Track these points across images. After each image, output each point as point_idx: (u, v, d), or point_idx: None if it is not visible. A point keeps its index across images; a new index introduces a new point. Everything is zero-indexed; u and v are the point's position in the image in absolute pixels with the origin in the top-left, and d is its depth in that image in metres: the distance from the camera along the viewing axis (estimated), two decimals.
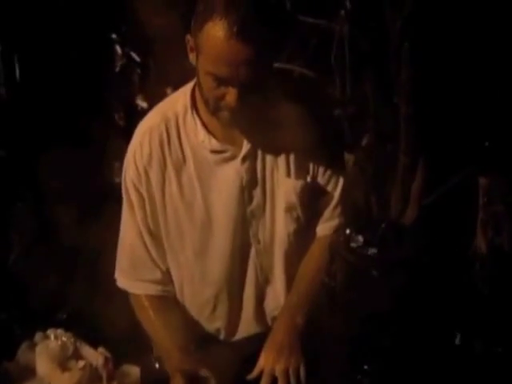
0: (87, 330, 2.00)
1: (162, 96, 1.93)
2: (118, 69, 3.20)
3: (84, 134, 3.06)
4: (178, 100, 1.80)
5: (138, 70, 3.21)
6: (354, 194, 2.67)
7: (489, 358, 1.95)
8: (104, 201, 2.58)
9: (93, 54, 3.13)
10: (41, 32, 3.13)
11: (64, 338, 1.90)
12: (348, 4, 2.83)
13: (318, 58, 2.94)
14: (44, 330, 1.95)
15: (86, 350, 1.90)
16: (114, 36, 3.17)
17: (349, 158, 2.73)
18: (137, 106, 3.23)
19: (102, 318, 2.00)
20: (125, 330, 1.93)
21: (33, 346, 1.89)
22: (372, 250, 1.71)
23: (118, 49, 3.17)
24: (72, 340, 1.90)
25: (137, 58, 3.18)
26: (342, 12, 2.84)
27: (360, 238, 1.73)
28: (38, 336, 1.91)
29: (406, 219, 2.75)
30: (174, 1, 2.36)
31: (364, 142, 2.91)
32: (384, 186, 2.88)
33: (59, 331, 1.92)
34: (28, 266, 2.80)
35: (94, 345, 1.92)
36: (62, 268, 2.76)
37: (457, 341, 1.95)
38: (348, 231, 1.75)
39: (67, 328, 1.96)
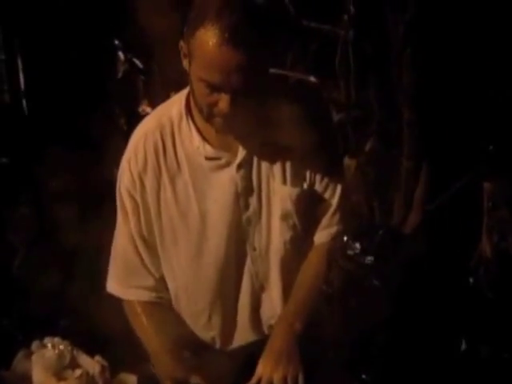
0: (84, 338, 1.99)
1: (165, 101, 1.91)
2: (120, 74, 3.20)
3: (87, 139, 3.06)
4: (174, 106, 1.79)
5: (142, 76, 3.21)
6: (355, 200, 2.66)
7: (494, 363, 1.93)
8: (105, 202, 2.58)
9: (95, 59, 3.14)
10: (44, 39, 3.14)
11: (61, 347, 1.90)
12: (351, 8, 2.81)
13: (322, 63, 2.92)
14: (43, 337, 1.94)
15: (83, 359, 1.90)
16: (116, 42, 3.17)
17: (351, 163, 2.72)
18: (141, 111, 3.22)
19: (99, 326, 1.99)
20: (122, 337, 1.93)
21: (29, 355, 1.89)
22: (369, 258, 1.69)
23: (121, 55, 3.17)
24: (69, 348, 1.90)
25: (139, 64, 3.18)
26: (346, 17, 2.83)
27: (357, 246, 1.71)
28: (35, 345, 1.91)
29: (408, 225, 2.73)
30: (176, 6, 2.35)
31: (368, 146, 2.89)
32: (387, 191, 2.86)
33: (56, 340, 1.92)
34: (30, 270, 2.80)
35: (91, 352, 1.91)
36: (62, 271, 2.75)
37: (462, 346, 1.94)
38: (345, 238, 1.73)
39: (65, 336, 1.95)
